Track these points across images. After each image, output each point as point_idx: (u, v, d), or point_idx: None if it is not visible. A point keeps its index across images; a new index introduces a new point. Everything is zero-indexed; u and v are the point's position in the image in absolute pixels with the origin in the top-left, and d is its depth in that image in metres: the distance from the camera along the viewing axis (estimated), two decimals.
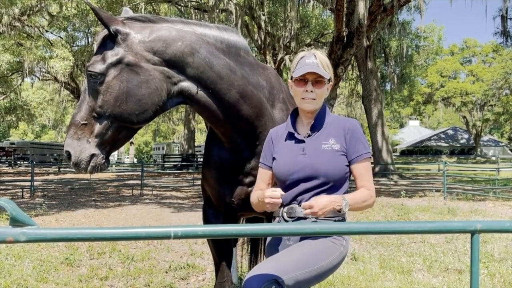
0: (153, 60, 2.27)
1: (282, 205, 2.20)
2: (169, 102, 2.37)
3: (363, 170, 2.17)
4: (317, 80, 2.16)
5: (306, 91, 2.16)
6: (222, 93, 2.40)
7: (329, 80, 2.22)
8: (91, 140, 2.25)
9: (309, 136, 2.20)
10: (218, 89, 2.39)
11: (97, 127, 2.25)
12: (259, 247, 4.03)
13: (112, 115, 2.23)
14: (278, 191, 2.06)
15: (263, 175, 2.31)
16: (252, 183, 2.64)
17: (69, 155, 2.29)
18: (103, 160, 2.30)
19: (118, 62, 2.23)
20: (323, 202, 1.98)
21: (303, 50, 2.28)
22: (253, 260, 4.10)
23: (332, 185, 2.12)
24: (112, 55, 2.23)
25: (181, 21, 2.47)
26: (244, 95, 2.46)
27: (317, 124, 2.22)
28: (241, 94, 2.45)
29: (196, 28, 2.45)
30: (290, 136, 2.24)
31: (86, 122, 2.25)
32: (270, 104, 2.67)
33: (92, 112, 2.25)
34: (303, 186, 2.13)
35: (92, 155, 2.26)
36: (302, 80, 2.17)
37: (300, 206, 2.13)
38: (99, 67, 2.21)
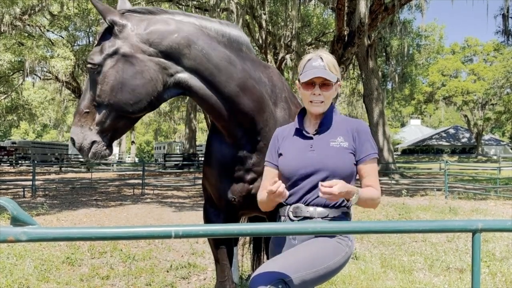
0: (149, 52, 2.31)
1: (288, 204, 2.20)
2: (166, 93, 2.40)
3: (370, 170, 2.17)
4: (325, 82, 2.16)
5: (314, 94, 2.16)
6: (222, 85, 2.41)
7: (337, 80, 2.22)
8: (93, 127, 2.33)
9: (317, 133, 2.21)
10: (217, 81, 2.40)
11: (97, 116, 2.32)
12: (261, 246, 4.03)
13: (109, 104, 2.29)
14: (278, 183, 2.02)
15: (269, 174, 2.28)
16: (253, 180, 2.63)
17: (73, 141, 2.37)
18: (104, 147, 2.37)
19: (114, 53, 2.28)
20: (343, 186, 1.94)
21: (309, 52, 2.28)
22: (256, 259, 4.09)
23: None
24: (109, 46, 2.29)
25: (183, 13, 2.49)
26: (245, 88, 2.46)
27: (325, 122, 2.22)
28: (241, 87, 2.45)
29: (197, 21, 2.47)
30: (298, 133, 2.25)
31: (88, 110, 2.33)
32: (272, 101, 2.66)
33: (93, 101, 2.32)
34: (309, 183, 2.12)
35: (93, 142, 2.33)
36: (310, 83, 2.17)
37: (306, 205, 2.13)
38: (97, 58, 2.29)
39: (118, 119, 2.35)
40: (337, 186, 1.91)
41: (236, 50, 2.51)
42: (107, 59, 2.28)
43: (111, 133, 2.38)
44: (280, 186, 2.00)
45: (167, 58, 2.34)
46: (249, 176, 2.64)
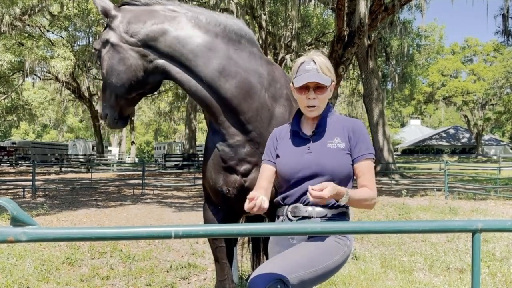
0: (130, 41, 2.57)
1: (287, 204, 2.20)
2: (150, 78, 2.63)
3: (365, 170, 2.15)
4: (319, 85, 2.15)
5: (309, 98, 2.15)
6: (198, 69, 2.54)
7: (332, 81, 2.21)
8: (106, 103, 2.75)
9: (314, 134, 2.20)
10: (192, 66, 2.54)
11: (105, 94, 2.74)
12: (260, 246, 4.03)
13: (107, 84, 2.67)
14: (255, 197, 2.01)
15: (266, 172, 2.27)
16: (248, 172, 2.63)
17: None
18: (116, 119, 2.78)
19: (106, 41, 2.62)
20: (333, 189, 1.94)
21: (302, 55, 2.26)
22: (256, 259, 4.08)
23: (337, 184, 2.10)
24: (104, 35, 2.64)
25: (178, 4, 2.64)
26: (226, 73, 2.53)
27: (322, 123, 2.21)
28: (221, 71, 2.52)
29: (189, 11, 2.61)
30: (295, 135, 2.24)
31: (104, 88, 2.75)
32: (269, 94, 2.65)
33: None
34: (307, 185, 2.10)
35: (107, 114, 2.77)
36: (304, 87, 2.15)
37: (304, 205, 2.13)
38: (97, 45, 2.69)
39: (117, 98, 2.69)
40: (327, 189, 1.90)
41: (233, 40, 2.60)
42: (102, 46, 2.65)
43: (118, 108, 2.74)
44: (256, 206, 1.98)
45: (145, 46, 2.57)
46: (242, 167, 2.64)
